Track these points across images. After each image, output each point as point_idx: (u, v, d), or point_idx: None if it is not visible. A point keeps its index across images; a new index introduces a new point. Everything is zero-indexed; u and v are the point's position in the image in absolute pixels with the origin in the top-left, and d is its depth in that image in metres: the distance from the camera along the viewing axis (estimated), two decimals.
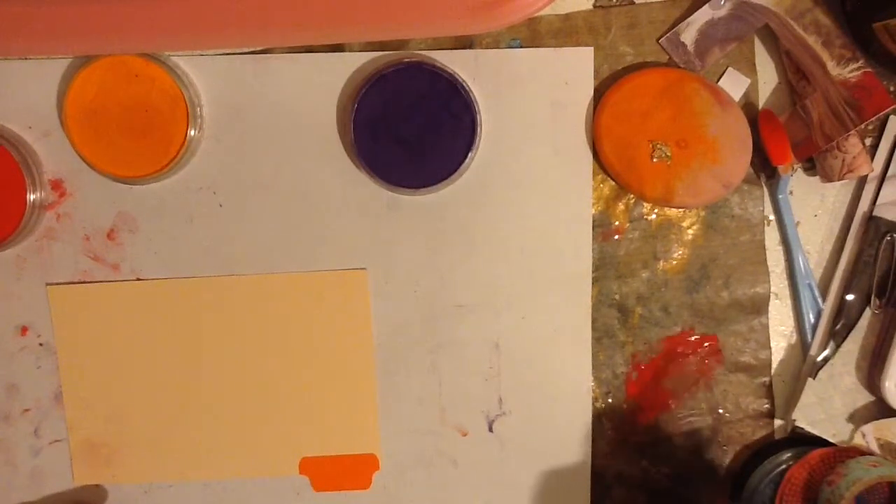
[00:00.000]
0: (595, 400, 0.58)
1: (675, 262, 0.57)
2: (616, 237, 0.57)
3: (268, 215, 0.57)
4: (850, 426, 0.57)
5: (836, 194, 0.57)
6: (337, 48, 0.56)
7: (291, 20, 0.50)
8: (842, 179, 0.55)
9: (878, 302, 0.56)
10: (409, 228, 0.57)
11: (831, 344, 0.57)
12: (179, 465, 0.58)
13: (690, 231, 0.57)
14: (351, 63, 0.56)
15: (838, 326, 0.57)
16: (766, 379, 0.58)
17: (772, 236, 0.57)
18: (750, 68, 0.56)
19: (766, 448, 0.58)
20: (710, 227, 0.57)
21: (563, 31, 0.56)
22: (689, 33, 0.55)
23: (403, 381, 0.58)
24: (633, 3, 0.56)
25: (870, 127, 0.56)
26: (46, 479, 0.59)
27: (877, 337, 0.57)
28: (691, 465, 0.59)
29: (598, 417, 0.58)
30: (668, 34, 0.55)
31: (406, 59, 0.54)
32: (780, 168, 0.55)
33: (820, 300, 0.57)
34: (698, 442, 0.59)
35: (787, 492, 0.55)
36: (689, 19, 0.55)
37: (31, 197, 0.54)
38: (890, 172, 0.56)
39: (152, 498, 0.59)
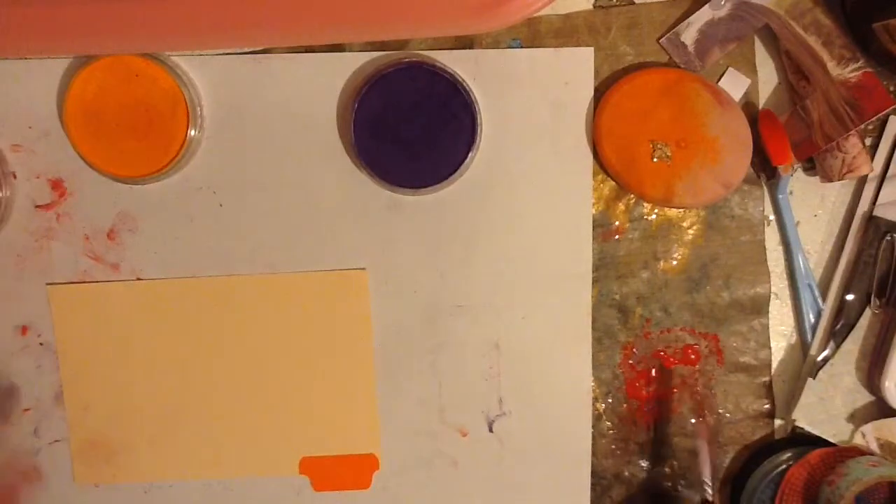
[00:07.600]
0: (595, 400, 0.58)
1: (675, 262, 0.57)
2: (616, 237, 0.57)
3: (268, 215, 0.57)
4: (850, 426, 0.57)
5: (836, 194, 0.57)
6: (337, 48, 0.56)
7: (291, 20, 0.50)
8: (842, 179, 0.55)
9: (878, 302, 0.56)
10: (409, 228, 0.57)
11: (831, 344, 0.57)
12: (179, 465, 0.58)
13: (690, 231, 0.57)
14: (351, 63, 0.56)
15: (838, 326, 0.57)
16: (766, 379, 0.58)
17: (772, 236, 0.57)
18: (750, 68, 0.56)
19: (766, 448, 0.58)
20: (710, 227, 0.57)
21: (563, 31, 0.56)
22: (689, 33, 0.55)
23: (403, 381, 0.58)
24: (633, 3, 0.56)
25: (870, 127, 0.56)
26: (46, 479, 0.59)
27: (877, 337, 0.57)
28: (691, 465, 0.59)
29: (598, 417, 0.58)
30: (668, 34, 0.55)
31: (406, 59, 0.54)
32: (780, 168, 0.55)
33: (820, 300, 0.57)
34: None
35: (786, 492, 0.55)
36: (689, 19, 0.55)
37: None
38: (890, 172, 0.56)
39: (152, 498, 0.59)
